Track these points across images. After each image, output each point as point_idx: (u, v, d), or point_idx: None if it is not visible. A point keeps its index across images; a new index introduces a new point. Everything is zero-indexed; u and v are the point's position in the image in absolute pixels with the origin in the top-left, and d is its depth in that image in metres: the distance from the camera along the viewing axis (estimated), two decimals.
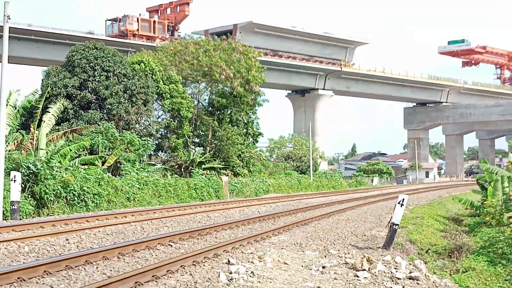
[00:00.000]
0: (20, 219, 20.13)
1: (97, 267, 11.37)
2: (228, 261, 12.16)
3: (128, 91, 36.56)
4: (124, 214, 22.04)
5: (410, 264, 12.45)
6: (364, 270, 11.50)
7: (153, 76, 40.11)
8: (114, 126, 34.38)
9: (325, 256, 13.61)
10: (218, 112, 47.66)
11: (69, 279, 10.31)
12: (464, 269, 13.42)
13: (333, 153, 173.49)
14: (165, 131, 42.99)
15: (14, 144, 29.48)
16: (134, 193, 28.00)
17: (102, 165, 31.61)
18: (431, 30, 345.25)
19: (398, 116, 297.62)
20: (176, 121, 42.21)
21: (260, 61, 50.99)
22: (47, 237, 14.96)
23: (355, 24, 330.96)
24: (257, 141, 52.48)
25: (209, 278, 10.66)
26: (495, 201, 20.13)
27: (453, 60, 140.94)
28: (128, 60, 40.77)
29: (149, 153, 39.18)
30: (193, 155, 42.38)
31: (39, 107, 32.09)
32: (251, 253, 13.61)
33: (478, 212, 23.57)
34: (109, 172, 30.66)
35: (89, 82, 35.51)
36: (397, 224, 15.57)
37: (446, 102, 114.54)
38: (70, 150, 29.29)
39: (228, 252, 13.63)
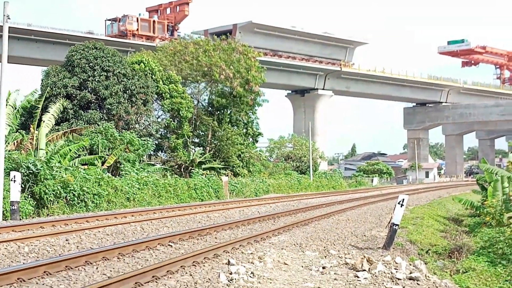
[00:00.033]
0: (20, 219, 20.11)
1: (97, 268, 11.36)
2: (228, 261, 12.15)
3: (127, 91, 36.56)
4: (124, 214, 22.03)
5: (410, 264, 12.44)
6: (364, 270, 11.49)
7: (153, 76, 40.11)
8: (114, 126, 34.38)
9: (325, 257, 13.60)
10: (218, 112, 47.66)
11: (69, 280, 10.30)
12: (464, 269, 13.41)
13: (333, 153, 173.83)
14: (165, 131, 42.99)
15: (14, 144, 29.47)
16: (134, 193, 27.98)
17: (102, 165, 31.60)
18: (431, 30, 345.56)
19: (398, 116, 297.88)
20: (175, 121, 42.22)
21: (260, 61, 51.00)
22: (47, 238, 14.94)
23: (355, 24, 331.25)
24: (257, 141, 52.51)
25: (209, 279, 10.65)
26: (495, 201, 20.13)
27: (453, 60, 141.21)
28: (127, 60, 40.77)
29: (149, 153, 39.18)
30: (193, 155, 42.37)
31: (38, 107, 32.08)
32: (251, 253, 13.60)
33: (478, 212, 23.56)
34: (109, 172, 30.65)
35: (88, 82, 35.50)
36: (397, 225, 15.56)
37: (445, 102, 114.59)
38: (70, 150, 29.27)
39: (228, 252, 13.62)
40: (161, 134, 42.65)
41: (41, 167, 23.17)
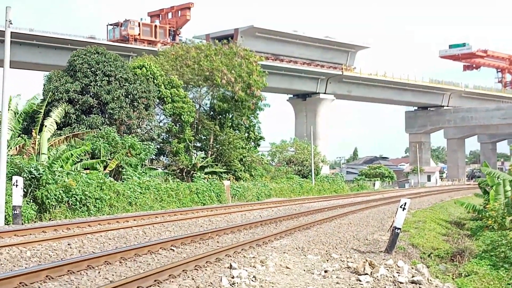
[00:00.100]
0: (22, 223, 20.14)
1: (99, 272, 11.36)
2: (230, 265, 12.15)
3: (129, 96, 36.61)
4: (126, 218, 22.04)
5: (412, 268, 12.44)
6: (367, 274, 11.49)
7: (155, 81, 40.16)
8: (116, 131, 34.42)
9: (327, 260, 13.59)
10: (220, 116, 47.69)
11: (71, 284, 10.31)
12: (466, 273, 13.40)
13: (335, 157, 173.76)
14: (167, 135, 43.04)
15: (16, 149, 29.52)
16: (136, 198, 28.00)
17: (104, 169, 31.64)
18: (432, 31, 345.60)
19: (399, 120, 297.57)
20: (177, 125, 42.25)
21: (262, 66, 51.08)
22: (49, 242, 14.96)
23: (356, 27, 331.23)
24: (258, 145, 52.52)
25: (211, 283, 10.65)
26: (497, 204, 20.14)
27: (454, 64, 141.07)
28: (129, 64, 40.83)
29: (151, 157, 39.20)
30: (195, 159, 42.39)
31: (41, 112, 32.12)
32: (253, 257, 13.60)
33: (480, 216, 23.58)
34: (111, 176, 30.68)
35: (90, 87, 35.56)
36: (399, 228, 15.55)
37: (447, 106, 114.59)
38: (72, 154, 29.31)
39: (230, 256, 13.62)
40: (163, 139, 42.70)
41: (43, 171, 23.20)
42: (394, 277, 11.36)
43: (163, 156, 43.63)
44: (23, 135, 31.61)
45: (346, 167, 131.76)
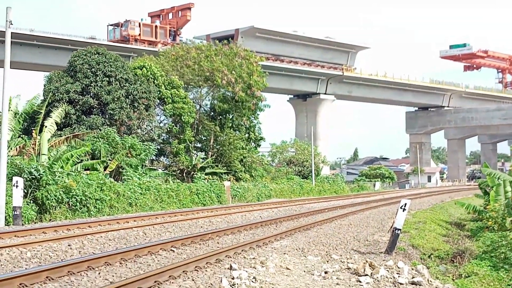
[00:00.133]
0: (22, 224, 20.15)
1: (99, 273, 11.37)
2: (230, 266, 12.15)
3: (130, 96, 36.61)
4: (126, 219, 22.05)
5: (412, 269, 12.44)
6: (367, 275, 11.49)
7: (155, 81, 40.16)
8: (116, 131, 34.43)
9: (328, 261, 13.59)
10: (220, 117, 47.69)
11: (71, 285, 10.32)
12: (466, 274, 13.40)
13: (335, 158, 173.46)
14: (167, 136, 43.03)
15: (16, 149, 29.52)
16: (136, 198, 28.01)
17: (104, 170, 31.64)
18: (433, 33, 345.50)
19: (400, 120, 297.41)
20: (178, 126, 42.25)
21: (262, 66, 51.07)
22: (49, 243, 14.96)
23: (356, 28, 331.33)
24: (259, 146, 52.50)
25: (211, 284, 10.66)
26: (497, 205, 20.13)
27: (455, 64, 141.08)
28: (130, 65, 40.84)
29: (151, 158, 39.20)
30: (195, 160, 42.39)
31: (41, 112, 32.13)
32: (253, 258, 13.60)
33: (480, 216, 23.55)
34: (111, 177, 30.68)
35: (91, 87, 35.56)
36: (400, 229, 15.55)
37: (448, 107, 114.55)
38: (72, 155, 29.32)
39: (230, 257, 13.62)
40: (163, 139, 42.70)
41: (44, 172, 23.21)
42: (394, 278, 11.36)
43: (164, 156, 43.63)
44: (24, 135, 31.63)
45: (346, 167, 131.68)
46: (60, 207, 23.03)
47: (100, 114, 35.89)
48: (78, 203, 23.79)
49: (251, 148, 49.08)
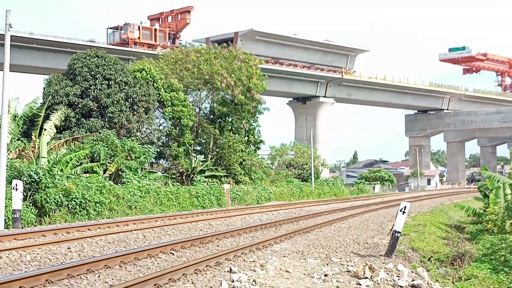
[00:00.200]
0: (22, 227, 20.12)
1: (99, 276, 11.36)
2: (230, 269, 12.14)
3: (129, 99, 36.62)
4: (126, 222, 22.03)
5: (412, 272, 12.43)
6: (366, 278, 11.49)
7: (155, 84, 40.18)
8: (116, 134, 34.43)
9: (327, 264, 13.59)
10: (220, 120, 47.70)
11: None
12: (466, 276, 13.39)
13: (335, 161, 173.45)
14: (167, 139, 43.03)
15: (16, 152, 29.51)
16: (136, 201, 27.99)
17: (104, 173, 31.63)
18: (432, 36, 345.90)
19: (399, 123, 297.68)
20: (177, 129, 42.25)
21: (261, 69, 51.08)
22: (48, 246, 14.95)
23: (356, 31, 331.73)
24: (258, 149, 52.51)
25: (211, 287, 10.65)
26: (497, 208, 20.14)
27: (454, 67, 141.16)
28: (129, 68, 40.86)
29: (151, 161, 39.20)
30: (195, 163, 42.39)
31: (40, 115, 32.14)
32: (253, 261, 13.60)
33: (480, 219, 23.57)
34: (110, 180, 30.67)
35: (90, 90, 35.57)
36: (399, 232, 15.55)
37: (447, 109, 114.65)
38: (71, 158, 29.30)
39: (230, 260, 13.61)
40: (162, 142, 42.70)
41: (43, 175, 23.21)
42: (394, 280, 11.35)
43: (163, 159, 43.62)
44: (23, 138, 31.61)
45: (346, 170, 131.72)
46: (59, 210, 23.01)
47: (99, 117, 35.89)
48: (77, 206, 23.78)
49: (250, 151, 49.08)
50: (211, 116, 47.95)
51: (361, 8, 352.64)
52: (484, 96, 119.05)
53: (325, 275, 11.91)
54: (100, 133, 33.92)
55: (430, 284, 11.50)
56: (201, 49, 48.90)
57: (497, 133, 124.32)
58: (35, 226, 21.33)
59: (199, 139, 46.75)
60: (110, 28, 74.02)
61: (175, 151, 41.35)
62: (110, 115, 35.62)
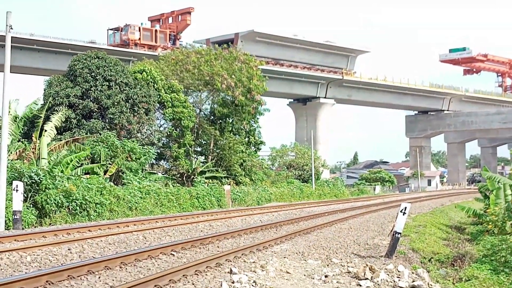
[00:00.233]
0: (22, 228, 20.13)
1: (99, 277, 11.36)
2: (231, 270, 12.15)
3: (130, 100, 36.63)
4: (126, 223, 22.04)
5: (413, 272, 12.44)
6: (367, 279, 11.49)
7: (155, 85, 40.18)
8: (116, 135, 34.43)
9: (328, 265, 13.59)
10: (220, 121, 47.70)
11: None
12: (467, 277, 13.38)
13: (335, 162, 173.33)
14: (167, 140, 43.04)
15: (16, 153, 29.52)
16: (136, 202, 28.00)
17: (104, 174, 31.64)
18: (432, 37, 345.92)
19: (399, 124, 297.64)
20: (177, 130, 42.25)
21: (262, 70, 51.08)
22: (49, 247, 14.95)
23: (356, 32, 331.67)
24: (259, 150, 52.50)
25: None
26: (497, 209, 20.14)
27: (455, 68, 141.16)
28: (130, 69, 40.86)
29: (151, 162, 39.21)
30: (195, 164, 42.40)
31: (41, 117, 32.14)
32: (254, 262, 13.60)
33: (480, 220, 23.56)
34: (111, 181, 30.68)
35: (91, 92, 35.58)
36: (400, 233, 15.55)
37: (447, 110, 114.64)
38: (72, 159, 29.31)
39: (230, 261, 13.61)
40: (163, 143, 42.71)
41: (44, 176, 23.22)
42: (394, 281, 11.35)
43: (163, 160, 43.63)
44: (23, 140, 31.62)
45: (346, 171, 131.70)
46: (60, 211, 23.02)
47: (100, 118, 35.90)
48: (78, 207, 23.79)
49: (251, 152, 49.08)
50: (212, 117, 47.95)
51: (361, 8, 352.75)
52: (484, 97, 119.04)
53: (326, 276, 11.91)
54: (100, 134, 33.93)
55: (431, 285, 11.50)
56: (202, 50, 48.91)
57: (497, 134, 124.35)
58: (35, 227, 21.34)
59: (200, 140, 46.75)
60: (111, 29, 74.12)
61: (175, 152, 41.36)
62: (111, 116, 35.63)
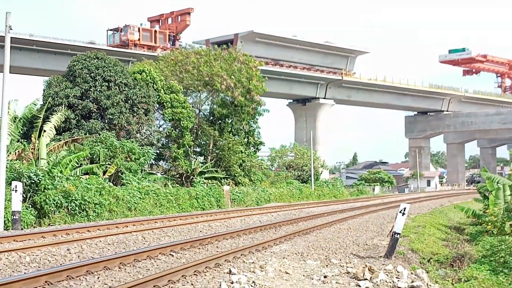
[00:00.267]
0: (21, 229, 20.12)
1: (98, 277, 11.36)
2: (230, 270, 12.14)
3: (129, 101, 36.62)
4: (125, 223, 22.04)
5: (412, 273, 12.44)
6: (366, 279, 11.49)
7: (154, 86, 40.18)
8: (115, 136, 34.43)
9: (327, 266, 13.59)
10: (219, 121, 47.70)
11: None
12: (466, 278, 13.39)
13: (334, 162, 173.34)
14: (166, 140, 43.03)
15: (15, 154, 29.50)
16: (135, 203, 27.99)
17: (103, 174, 31.63)
18: (432, 37, 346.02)
19: (399, 124, 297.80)
20: (177, 130, 42.25)
21: (261, 70, 51.07)
22: (48, 247, 14.95)
23: (356, 28, 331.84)
24: (258, 150, 52.49)
25: None
26: (496, 209, 20.15)
27: (454, 68, 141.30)
28: (129, 69, 40.85)
29: (150, 162, 39.20)
30: (194, 164, 42.39)
31: (40, 117, 32.14)
32: (253, 262, 13.60)
33: (480, 221, 23.56)
34: (110, 181, 30.67)
35: (90, 92, 35.57)
36: (399, 233, 15.55)
37: (447, 111, 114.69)
38: (71, 160, 29.30)
39: (230, 261, 13.61)
40: (162, 144, 42.71)
41: (43, 176, 23.22)
42: (393, 282, 11.35)
43: (163, 161, 43.62)
44: (23, 140, 31.62)
45: (345, 172, 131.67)
46: (59, 212, 23.02)
47: (99, 119, 35.90)
48: (77, 208, 23.78)
49: (250, 153, 49.08)
50: (211, 117, 47.95)
51: (361, 8, 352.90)
52: (484, 98, 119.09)
53: (325, 277, 11.91)
54: (99, 134, 33.93)
55: (430, 285, 11.50)
56: (201, 51, 48.89)
57: (497, 135, 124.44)
58: (34, 227, 21.34)
59: (199, 140, 46.74)
60: (110, 29, 74.07)
61: (174, 153, 41.36)
62: (110, 116, 35.62)
